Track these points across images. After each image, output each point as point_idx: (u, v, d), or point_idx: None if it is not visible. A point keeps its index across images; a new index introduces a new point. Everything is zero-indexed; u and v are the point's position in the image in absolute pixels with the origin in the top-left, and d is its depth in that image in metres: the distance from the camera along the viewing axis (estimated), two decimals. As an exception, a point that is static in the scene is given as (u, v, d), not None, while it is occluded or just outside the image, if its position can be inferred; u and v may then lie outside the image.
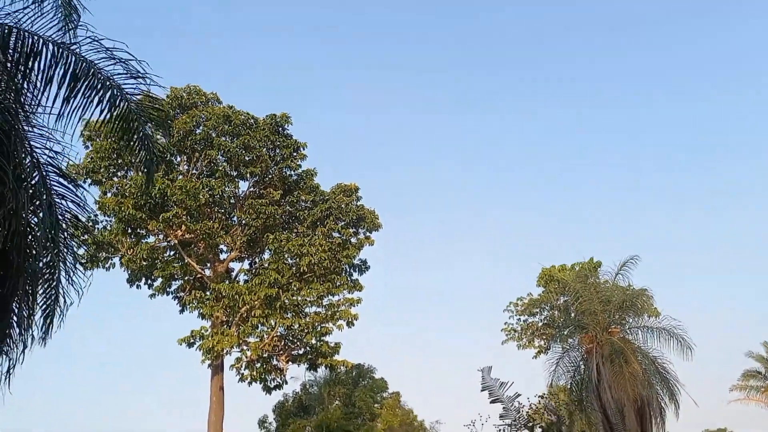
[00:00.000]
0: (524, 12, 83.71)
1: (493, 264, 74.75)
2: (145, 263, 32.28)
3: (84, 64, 7.42)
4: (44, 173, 7.30)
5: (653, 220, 75.58)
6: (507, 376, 34.49)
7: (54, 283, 7.93)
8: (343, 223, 33.23)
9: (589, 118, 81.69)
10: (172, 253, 33.56)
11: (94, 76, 7.46)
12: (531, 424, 28.15)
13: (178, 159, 33.50)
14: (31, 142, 7.25)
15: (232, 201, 33.53)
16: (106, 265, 32.72)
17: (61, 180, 7.69)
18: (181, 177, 31.58)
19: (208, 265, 33.88)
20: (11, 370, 7.39)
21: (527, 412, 28.66)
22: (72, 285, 8.19)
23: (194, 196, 30.40)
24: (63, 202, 7.73)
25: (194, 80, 33.91)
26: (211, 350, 30.11)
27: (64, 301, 8.16)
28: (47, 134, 7.41)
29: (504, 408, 20.58)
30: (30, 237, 6.82)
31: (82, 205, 7.94)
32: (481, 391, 20.07)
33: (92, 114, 7.67)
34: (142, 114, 8.13)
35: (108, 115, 7.71)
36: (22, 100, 7.22)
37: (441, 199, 79.34)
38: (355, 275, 34.11)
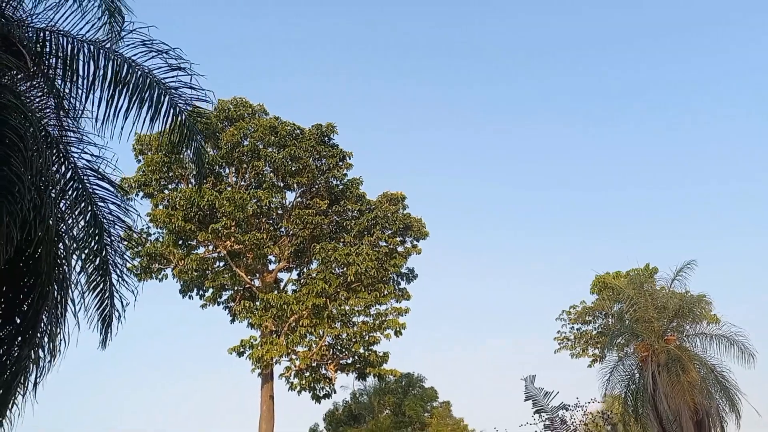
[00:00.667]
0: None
1: (546, 270, 73.28)
2: (196, 274, 32.80)
3: (125, 64, 7.45)
4: (83, 177, 7.38)
5: (716, 226, 72.76)
6: (559, 386, 33.71)
7: (107, 287, 7.99)
8: (389, 231, 33.14)
9: (638, 124, 79.34)
10: (221, 264, 34.05)
11: (136, 76, 7.46)
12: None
13: (227, 171, 34.05)
14: (70, 147, 7.34)
15: (280, 212, 33.83)
16: (159, 276, 33.36)
17: (102, 183, 7.76)
18: (229, 189, 32.02)
19: (257, 275, 34.23)
20: (39, 380, 7.36)
21: (583, 419, 27.78)
22: (125, 286, 8.24)
23: (242, 208, 30.77)
24: (105, 205, 7.82)
25: (241, 92, 34.27)
26: (261, 359, 30.34)
27: (122, 304, 8.23)
28: (84, 137, 7.47)
29: (549, 419, 19.90)
30: (61, 244, 6.84)
31: (124, 207, 7.96)
32: (525, 401, 19.38)
33: (138, 114, 7.66)
34: (189, 108, 8.07)
35: (153, 114, 7.69)
36: (63, 104, 7.30)
37: (490, 206, 78.25)
38: (403, 284, 34.01)
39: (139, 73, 7.46)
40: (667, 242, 65.76)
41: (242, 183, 33.25)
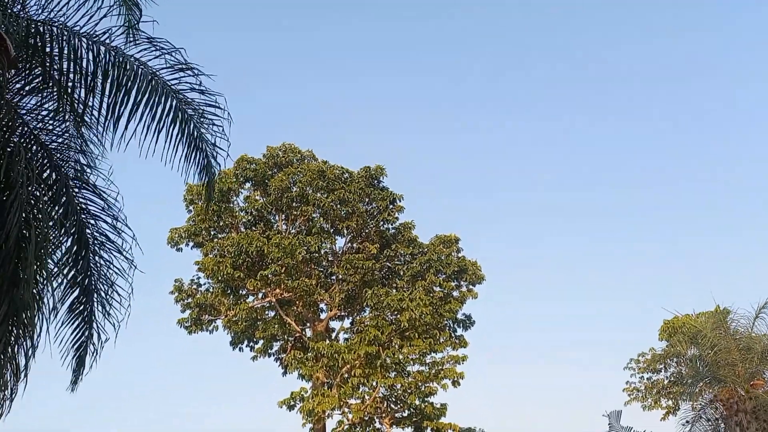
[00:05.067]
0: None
1: (612, 313, 69.29)
2: (245, 324, 32.04)
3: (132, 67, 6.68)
4: (71, 187, 6.52)
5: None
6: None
7: (86, 316, 7.04)
8: (443, 275, 31.76)
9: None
10: (271, 314, 33.22)
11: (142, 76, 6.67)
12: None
13: (276, 218, 33.54)
14: (55, 154, 6.54)
15: (330, 257, 32.97)
16: (209, 328, 32.75)
17: (93, 197, 6.86)
18: (278, 235, 31.39)
19: (308, 324, 33.19)
20: None
21: None
22: (107, 318, 7.24)
23: (291, 254, 30.00)
24: (96, 222, 6.93)
25: (290, 138, 33.88)
26: (312, 412, 28.98)
27: (99, 338, 7.25)
28: (72, 146, 6.65)
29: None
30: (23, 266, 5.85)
31: (118, 226, 7.02)
32: (610, 441, 17.03)
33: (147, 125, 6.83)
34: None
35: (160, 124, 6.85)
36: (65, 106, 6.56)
37: (550, 248, 75.01)
38: (459, 331, 32.38)
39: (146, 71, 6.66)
40: (732, 280, 61.06)
41: (292, 230, 32.63)
